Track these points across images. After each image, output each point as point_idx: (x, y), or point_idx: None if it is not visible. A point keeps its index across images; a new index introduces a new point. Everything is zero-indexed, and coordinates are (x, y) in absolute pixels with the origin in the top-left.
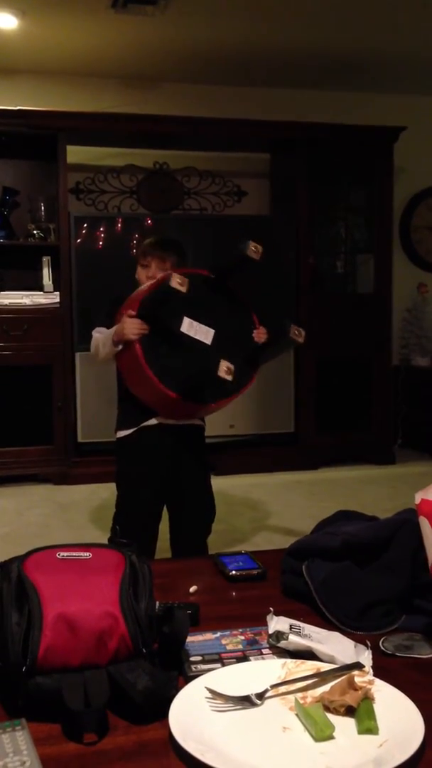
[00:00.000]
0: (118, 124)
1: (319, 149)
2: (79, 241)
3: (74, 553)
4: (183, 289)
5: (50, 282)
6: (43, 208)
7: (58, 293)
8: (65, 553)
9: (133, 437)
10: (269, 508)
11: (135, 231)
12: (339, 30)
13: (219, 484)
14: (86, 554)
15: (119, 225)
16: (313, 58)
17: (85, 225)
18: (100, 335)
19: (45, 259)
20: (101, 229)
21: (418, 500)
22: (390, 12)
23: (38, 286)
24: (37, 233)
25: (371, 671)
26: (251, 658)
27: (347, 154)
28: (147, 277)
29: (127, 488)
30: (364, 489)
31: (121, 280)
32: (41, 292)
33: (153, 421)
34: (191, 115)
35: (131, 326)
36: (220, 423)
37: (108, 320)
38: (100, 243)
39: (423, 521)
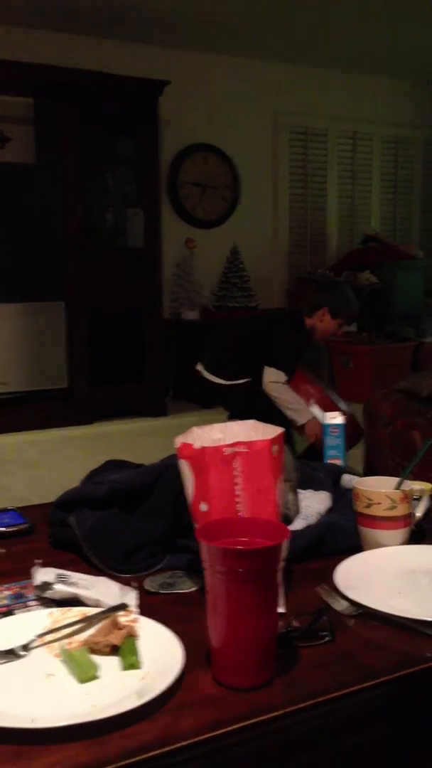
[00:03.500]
0: None
1: (84, 97)
2: None
3: None
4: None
5: None
6: None
7: None
8: None
9: None
10: (43, 465)
11: None
12: None
13: None
14: None
15: None
16: (79, 2)
17: None
18: (292, 397)
19: None
20: None
21: (177, 444)
22: None
23: None
24: None
25: (136, 610)
26: (17, 611)
27: (113, 104)
28: (336, 332)
29: None
30: (138, 441)
31: None
32: None
33: None
34: None
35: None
36: None
37: (290, 368)
38: None
39: (183, 463)
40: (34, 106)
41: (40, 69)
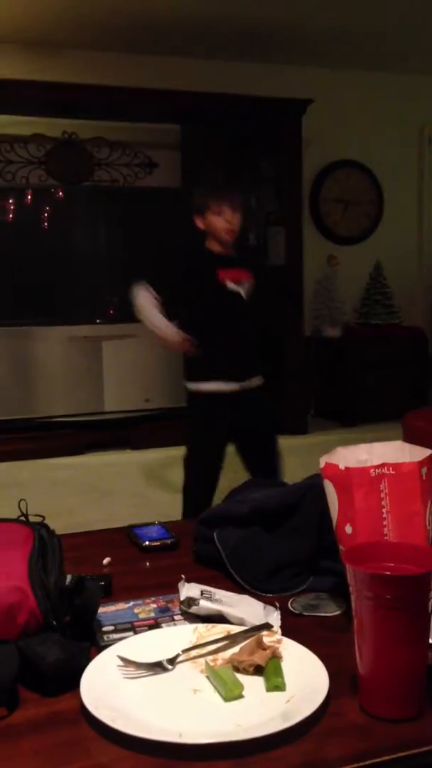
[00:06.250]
0: (22, 91)
1: (228, 120)
2: None
3: None
4: None
5: None
6: None
7: None
8: None
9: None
10: None
11: (45, 203)
12: (250, 0)
13: (136, 457)
14: None
15: (28, 197)
16: (221, 28)
17: None
18: (152, 312)
19: None
20: (9, 201)
21: (322, 464)
22: None
23: None
24: None
25: (279, 631)
26: (163, 625)
27: (257, 125)
28: (225, 221)
29: None
30: None
31: (32, 253)
32: None
33: None
34: (97, 83)
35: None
36: (135, 397)
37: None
38: (9, 215)
39: (327, 484)
40: (181, 132)
41: (186, 96)
